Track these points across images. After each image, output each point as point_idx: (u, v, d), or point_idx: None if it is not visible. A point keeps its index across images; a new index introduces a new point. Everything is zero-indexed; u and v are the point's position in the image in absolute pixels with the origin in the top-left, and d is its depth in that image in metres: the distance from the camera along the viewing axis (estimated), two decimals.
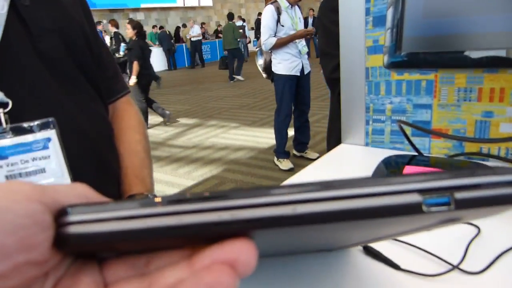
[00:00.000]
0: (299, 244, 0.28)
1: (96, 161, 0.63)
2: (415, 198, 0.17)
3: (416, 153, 0.71)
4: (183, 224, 0.17)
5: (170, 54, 12.41)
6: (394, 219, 0.17)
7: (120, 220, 0.17)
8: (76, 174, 0.56)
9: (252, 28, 15.31)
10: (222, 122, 5.07)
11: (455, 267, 0.43)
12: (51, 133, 0.53)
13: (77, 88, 0.61)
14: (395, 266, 0.44)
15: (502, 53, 0.46)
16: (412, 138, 0.76)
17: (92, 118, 0.63)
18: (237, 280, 0.16)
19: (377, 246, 0.47)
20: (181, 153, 3.99)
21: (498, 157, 0.70)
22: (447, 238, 0.49)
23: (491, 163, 0.67)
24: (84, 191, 0.20)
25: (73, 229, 0.17)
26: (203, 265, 0.17)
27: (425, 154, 0.73)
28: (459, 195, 0.17)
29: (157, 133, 4.80)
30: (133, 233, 0.17)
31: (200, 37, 12.30)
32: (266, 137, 4.23)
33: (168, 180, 3.29)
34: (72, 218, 0.18)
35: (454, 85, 0.71)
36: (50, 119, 0.53)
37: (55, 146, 0.54)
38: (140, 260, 0.19)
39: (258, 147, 3.96)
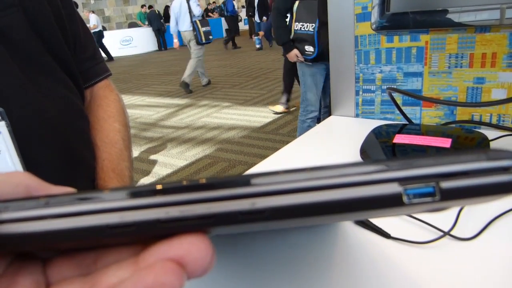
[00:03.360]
0: (275, 227, 0.27)
1: (64, 152, 0.57)
2: (394, 188, 0.15)
3: (407, 122, 0.69)
4: (124, 222, 0.15)
5: (160, 34, 12.17)
6: (370, 211, 0.15)
7: (51, 218, 0.15)
8: (39, 167, 0.52)
9: (243, 6, 15.05)
10: (214, 102, 5.02)
11: (446, 234, 0.42)
12: (1, 125, 0.47)
13: (42, 71, 0.55)
14: (385, 235, 0.43)
15: (495, 12, 0.44)
16: (403, 108, 0.74)
17: (60, 104, 0.57)
18: (184, 279, 0.14)
19: None
20: (173, 133, 3.96)
21: (489, 124, 0.69)
22: None
23: (483, 130, 0.66)
24: (24, 180, 0.17)
25: None
26: (148, 263, 0.15)
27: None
28: (445, 184, 0.15)
29: (148, 114, 4.75)
30: (68, 233, 0.15)
31: (99, 28, 10.05)
32: (258, 115, 4.20)
33: (161, 161, 3.27)
34: None
35: (445, 52, 0.69)
36: None
37: (5, 140, 0.48)
38: (88, 257, 0.17)
39: (250, 126, 3.94)
